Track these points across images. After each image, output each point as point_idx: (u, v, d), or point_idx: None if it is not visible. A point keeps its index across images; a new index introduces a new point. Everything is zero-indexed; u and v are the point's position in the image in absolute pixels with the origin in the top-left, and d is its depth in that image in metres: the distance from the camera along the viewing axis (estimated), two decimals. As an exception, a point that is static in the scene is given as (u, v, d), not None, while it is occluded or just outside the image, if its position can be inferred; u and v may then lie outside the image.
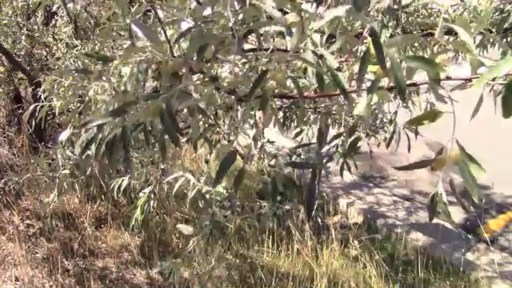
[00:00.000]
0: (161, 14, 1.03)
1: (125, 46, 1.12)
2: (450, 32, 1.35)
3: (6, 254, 3.30)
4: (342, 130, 1.73)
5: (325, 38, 0.80)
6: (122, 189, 2.01)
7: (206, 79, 0.92)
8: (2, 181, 2.78)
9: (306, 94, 1.06)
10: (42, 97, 1.69)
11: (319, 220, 3.81)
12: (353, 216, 4.20)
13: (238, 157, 0.98)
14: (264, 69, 0.80)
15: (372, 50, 0.74)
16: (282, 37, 1.01)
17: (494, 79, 0.83)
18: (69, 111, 1.63)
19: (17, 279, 3.11)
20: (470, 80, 0.87)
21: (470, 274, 3.35)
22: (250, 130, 1.20)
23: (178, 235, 3.55)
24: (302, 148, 1.19)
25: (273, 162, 1.09)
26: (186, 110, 0.98)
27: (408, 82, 0.83)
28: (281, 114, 1.92)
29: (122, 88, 1.02)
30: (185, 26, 0.88)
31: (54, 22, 3.79)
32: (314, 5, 1.95)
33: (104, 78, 1.12)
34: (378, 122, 1.99)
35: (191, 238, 1.78)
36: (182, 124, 1.26)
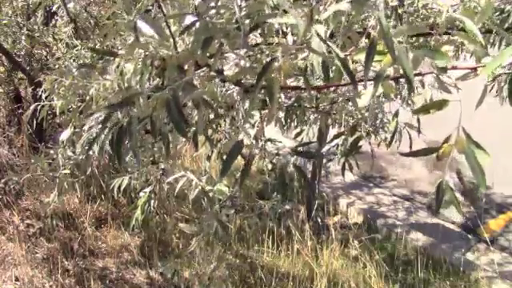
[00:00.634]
0: (164, 10, 1.03)
1: (129, 42, 1.12)
2: (448, 32, 1.35)
3: (6, 254, 3.30)
4: (342, 129, 1.73)
5: (329, 31, 0.80)
6: (122, 189, 2.01)
7: (212, 73, 0.92)
8: (3, 181, 2.78)
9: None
10: (43, 96, 1.69)
11: (319, 220, 3.82)
12: (353, 216, 4.20)
13: (239, 157, 0.98)
14: (270, 59, 0.80)
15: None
16: (284, 35, 1.01)
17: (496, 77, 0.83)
18: (69, 111, 1.63)
19: (17, 279, 3.10)
20: (475, 69, 0.87)
21: (470, 274, 3.35)
22: (251, 129, 1.20)
23: (178, 235, 3.55)
24: (303, 147, 1.20)
25: (275, 161, 1.09)
26: (189, 105, 0.98)
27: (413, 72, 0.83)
28: (281, 113, 1.92)
29: (125, 85, 1.02)
30: (189, 20, 0.89)
31: (54, 21, 3.79)
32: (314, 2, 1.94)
33: (108, 76, 1.12)
34: (378, 121, 1.99)
35: (193, 238, 1.78)
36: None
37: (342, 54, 0.77)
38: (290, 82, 1.30)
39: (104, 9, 3.51)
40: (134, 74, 0.98)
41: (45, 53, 3.79)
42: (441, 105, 0.83)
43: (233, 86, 1.09)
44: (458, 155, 0.85)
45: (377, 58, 0.79)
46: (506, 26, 1.95)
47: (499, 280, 3.28)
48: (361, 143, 1.45)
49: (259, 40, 1.09)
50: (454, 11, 2.01)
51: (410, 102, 2.27)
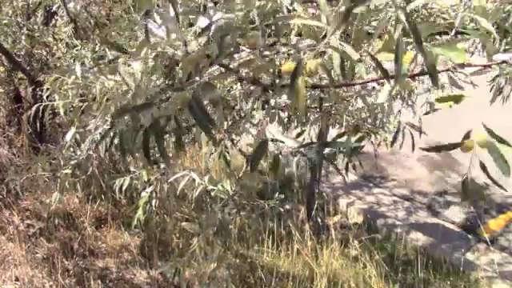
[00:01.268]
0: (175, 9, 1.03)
1: (139, 40, 1.12)
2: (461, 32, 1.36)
3: (6, 254, 3.30)
4: (342, 130, 1.73)
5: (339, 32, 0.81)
6: (123, 189, 2.01)
7: (225, 71, 0.93)
8: (5, 180, 2.78)
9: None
10: (44, 96, 1.69)
11: (319, 220, 3.82)
12: (353, 216, 4.20)
13: (240, 156, 0.98)
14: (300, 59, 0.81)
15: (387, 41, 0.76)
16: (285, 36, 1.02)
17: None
18: (70, 111, 1.62)
19: (17, 279, 3.10)
20: (489, 66, 0.92)
21: (470, 274, 3.36)
22: (252, 128, 1.21)
23: (178, 235, 3.55)
24: (304, 148, 1.20)
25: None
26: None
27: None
28: (281, 114, 1.92)
29: (133, 84, 1.02)
30: (202, 21, 0.89)
31: (53, 21, 3.78)
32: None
33: (111, 76, 1.12)
34: (377, 122, 2.00)
35: (193, 238, 1.78)
36: (184, 124, 1.26)
37: (356, 55, 0.79)
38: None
39: (104, 9, 3.51)
40: (144, 73, 0.98)
41: (45, 53, 3.79)
42: (458, 98, 0.88)
43: (235, 87, 1.09)
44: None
45: (387, 55, 0.81)
46: (507, 25, 1.96)
47: (499, 280, 3.29)
48: (363, 143, 1.45)
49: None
50: (454, 11, 2.01)
51: (410, 102, 2.27)
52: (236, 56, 0.95)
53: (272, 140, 1.10)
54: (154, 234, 3.57)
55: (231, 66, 0.95)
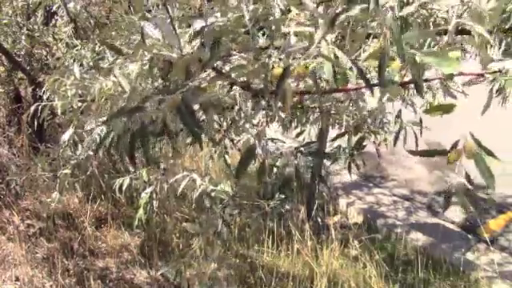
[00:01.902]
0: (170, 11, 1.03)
1: (134, 43, 1.12)
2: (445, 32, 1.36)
3: (6, 254, 3.30)
4: (342, 130, 1.73)
5: (334, 35, 0.81)
6: (123, 189, 2.02)
7: (216, 75, 0.93)
8: (4, 180, 2.78)
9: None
10: (44, 97, 1.69)
11: (319, 220, 3.82)
12: (353, 216, 4.20)
13: (238, 156, 0.98)
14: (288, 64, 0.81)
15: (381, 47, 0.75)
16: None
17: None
18: (70, 111, 1.62)
19: (17, 279, 3.10)
20: (482, 75, 0.90)
21: (470, 274, 3.35)
22: (252, 129, 1.20)
23: (178, 235, 3.55)
24: (304, 148, 1.20)
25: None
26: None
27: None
28: (282, 114, 1.92)
29: (128, 86, 1.02)
30: (198, 24, 0.89)
31: (53, 21, 3.78)
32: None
33: (113, 76, 1.12)
34: (377, 122, 1.99)
35: (193, 238, 1.78)
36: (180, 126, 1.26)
37: (348, 62, 0.78)
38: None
39: (104, 9, 3.51)
40: (139, 75, 0.98)
41: (45, 53, 3.79)
42: (448, 108, 0.87)
43: (235, 88, 1.09)
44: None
45: (374, 63, 0.80)
46: (507, 26, 1.95)
47: (499, 280, 3.29)
48: (364, 143, 1.45)
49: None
50: (456, 13, 2.01)
51: (410, 102, 2.27)
52: (230, 59, 0.95)
53: (272, 140, 1.10)
54: (154, 234, 3.57)
55: (223, 71, 0.95)
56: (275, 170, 1.15)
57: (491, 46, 2.11)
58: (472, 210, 3.81)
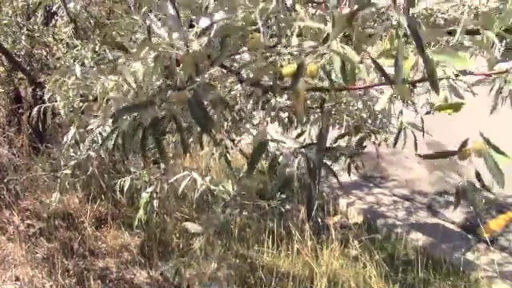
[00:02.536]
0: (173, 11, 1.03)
1: (139, 40, 1.12)
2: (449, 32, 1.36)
3: (6, 254, 3.30)
4: (343, 130, 1.73)
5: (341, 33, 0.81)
6: (125, 189, 2.02)
7: (226, 72, 0.93)
8: (4, 180, 2.78)
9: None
10: (46, 97, 1.69)
11: (319, 220, 3.82)
12: (353, 216, 4.20)
13: (240, 156, 0.98)
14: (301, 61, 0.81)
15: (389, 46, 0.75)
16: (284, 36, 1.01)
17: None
18: (71, 111, 1.62)
19: (17, 279, 3.10)
20: (489, 75, 0.91)
21: (470, 274, 3.36)
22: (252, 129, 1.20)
23: (178, 235, 3.56)
24: (305, 148, 1.20)
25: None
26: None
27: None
28: (282, 114, 1.92)
29: (134, 84, 1.02)
30: (204, 21, 0.89)
31: (54, 21, 3.78)
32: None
33: (113, 76, 1.12)
34: (378, 122, 2.00)
35: (193, 238, 1.78)
36: (185, 124, 1.26)
37: (357, 58, 0.78)
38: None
39: (104, 9, 3.51)
40: (145, 73, 0.98)
41: (45, 53, 3.79)
42: (457, 107, 0.89)
43: (236, 87, 1.09)
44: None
45: (387, 60, 0.80)
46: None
47: (499, 280, 3.29)
48: (364, 143, 1.45)
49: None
50: (455, 12, 2.01)
51: (411, 102, 2.27)
52: (237, 57, 0.95)
53: (272, 140, 1.10)
54: (154, 233, 3.57)
55: (232, 68, 0.95)
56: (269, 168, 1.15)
57: (494, 46, 2.12)
58: (479, 208, 3.82)
